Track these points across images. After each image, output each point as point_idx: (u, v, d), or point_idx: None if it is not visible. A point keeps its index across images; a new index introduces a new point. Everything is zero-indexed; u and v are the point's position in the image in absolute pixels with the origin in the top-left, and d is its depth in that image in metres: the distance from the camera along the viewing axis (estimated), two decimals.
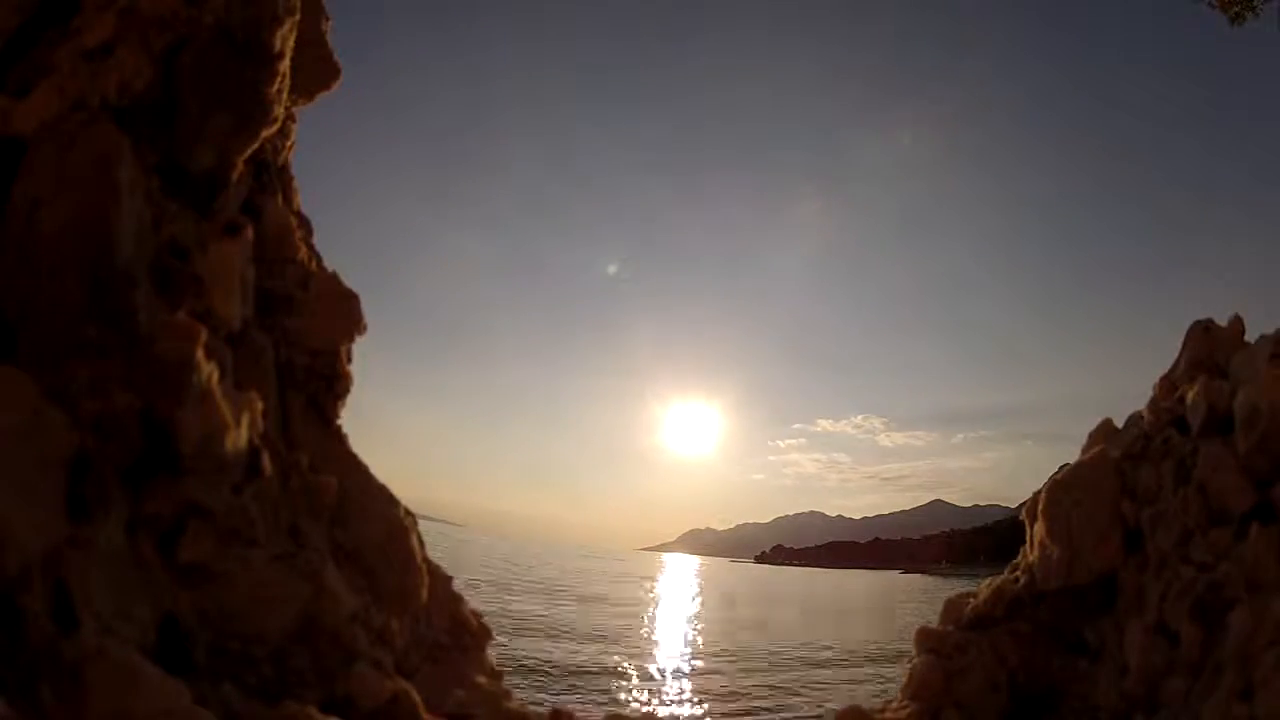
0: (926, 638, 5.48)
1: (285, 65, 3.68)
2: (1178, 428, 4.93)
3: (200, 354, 2.98)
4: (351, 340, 4.34)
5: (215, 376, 3.05)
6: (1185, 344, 5.27)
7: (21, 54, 2.99)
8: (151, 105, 3.19)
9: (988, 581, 5.68)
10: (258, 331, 3.77)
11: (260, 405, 3.38)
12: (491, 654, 4.56)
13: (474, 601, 4.71)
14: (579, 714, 4.36)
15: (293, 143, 4.33)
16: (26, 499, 2.41)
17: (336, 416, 4.30)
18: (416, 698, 3.41)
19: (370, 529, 4.05)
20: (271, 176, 4.11)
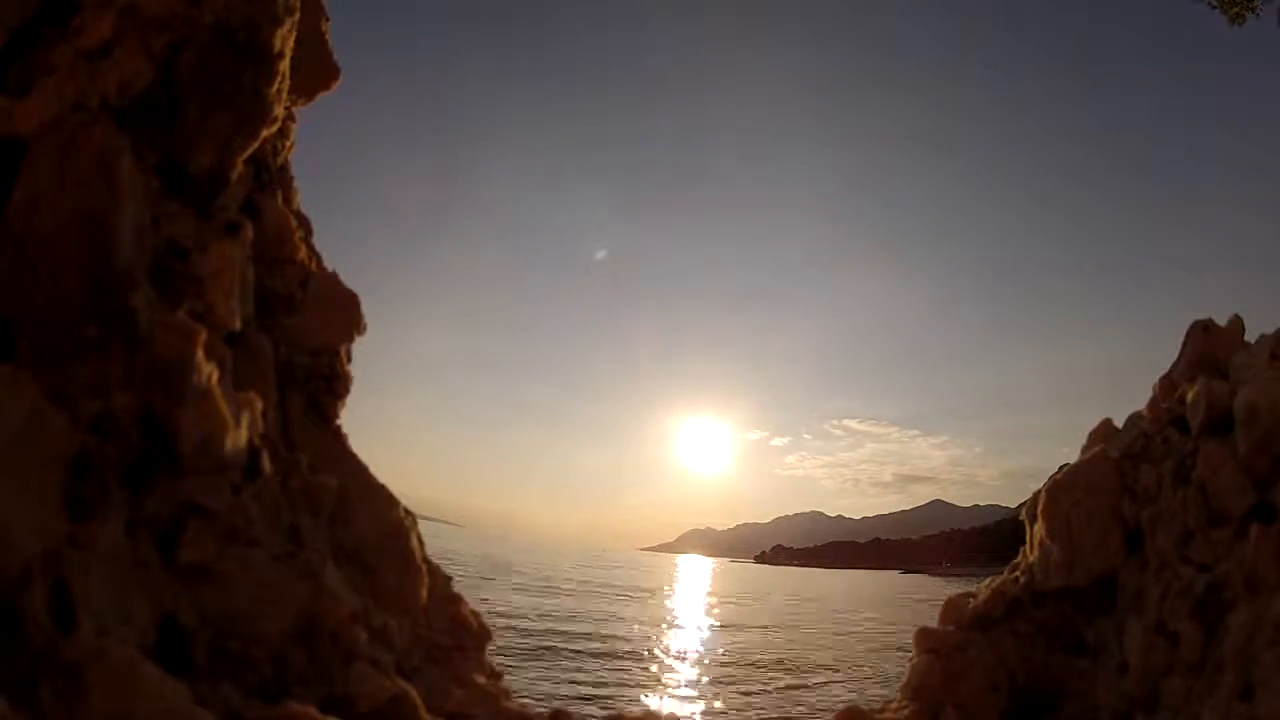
0: (926, 638, 5.47)
1: (285, 65, 3.68)
2: (1178, 428, 4.92)
3: (200, 354, 2.98)
4: (351, 340, 4.35)
5: (215, 376, 3.05)
6: (1185, 344, 5.27)
7: (21, 54, 2.99)
8: (151, 105, 3.18)
9: (988, 581, 5.68)
10: (258, 331, 3.77)
11: (260, 405, 3.38)
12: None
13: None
14: (579, 714, 4.36)
15: (292, 143, 4.33)
16: (26, 499, 2.41)
17: (336, 416, 4.30)
18: (416, 698, 3.41)
19: (370, 529, 4.05)
20: (271, 176, 4.11)
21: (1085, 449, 5.51)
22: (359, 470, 4.23)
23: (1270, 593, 3.90)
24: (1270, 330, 4.70)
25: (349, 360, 4.34)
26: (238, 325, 3.47)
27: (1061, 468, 5.45)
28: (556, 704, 5.04)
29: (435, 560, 4.49)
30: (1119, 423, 5.67)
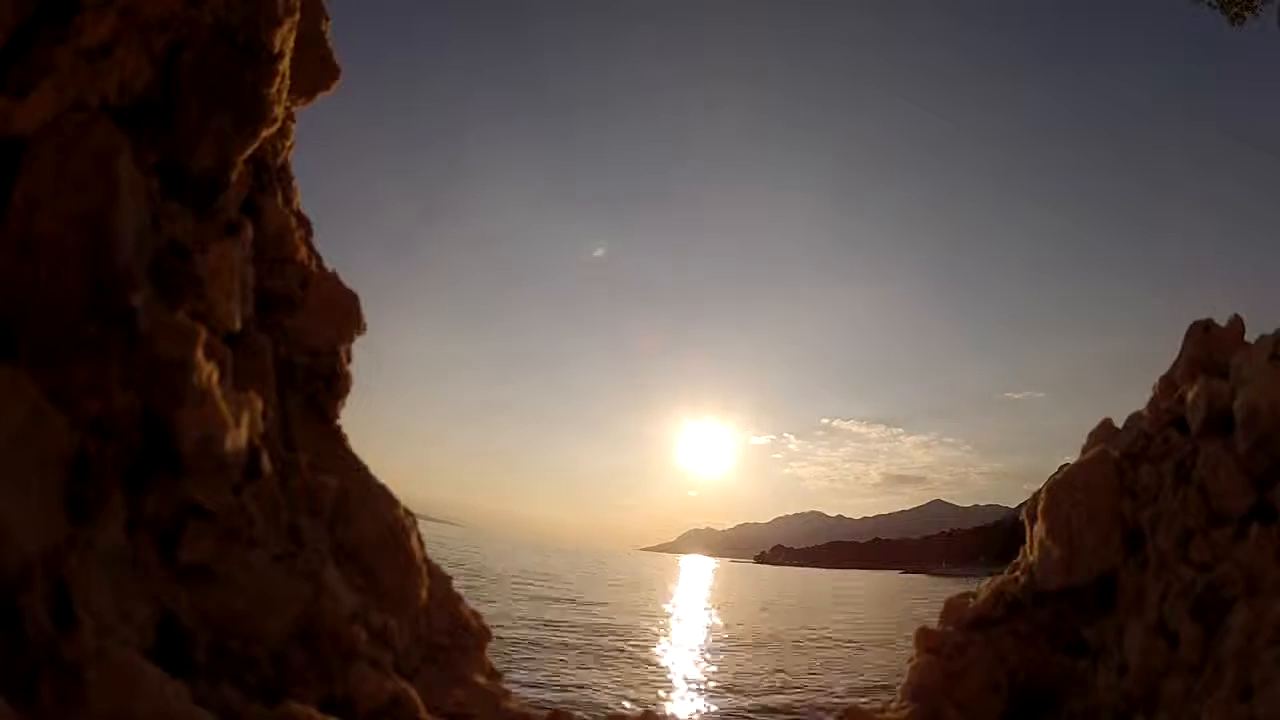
0: (926, 638, 5.47)
1: (285, 65, 3.68)
2: (1178, 428, 4.92)
3: (199, 354, 2.98)
4: (351, 340, 4.35)
5: (215, 376, 3.05)
6: (1185, 344, 5.26)
7: (21, 54, 2.99)
8: (151, 105, 3.18)
9: (988, 581, 5.68)
10: (258, 331, 3.77)
11: (260, 405, 3.38)
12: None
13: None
14: (579, 714, 4.36)
15: (292, 143, 4.33)
16: (26, 499, 2.41)
17: (336, 416, 4.30)
18: (416, 698, 3.42)
19: (370, 529, 4.05)
20: (271, 176, 4.11)
21: (1085, 449, 5.50)
22: (359, 470, 4.23)
23: (1270, 593, 3.90)
24: (1270, 330, 4.69)
25: (349, 360, 4.34)
26: (238, 325, 3.47)
27: (1061, 468, 5.44)
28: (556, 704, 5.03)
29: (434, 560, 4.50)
30: (1119, 423, 5.67)
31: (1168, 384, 5.26)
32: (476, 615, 4.59)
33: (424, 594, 4.20)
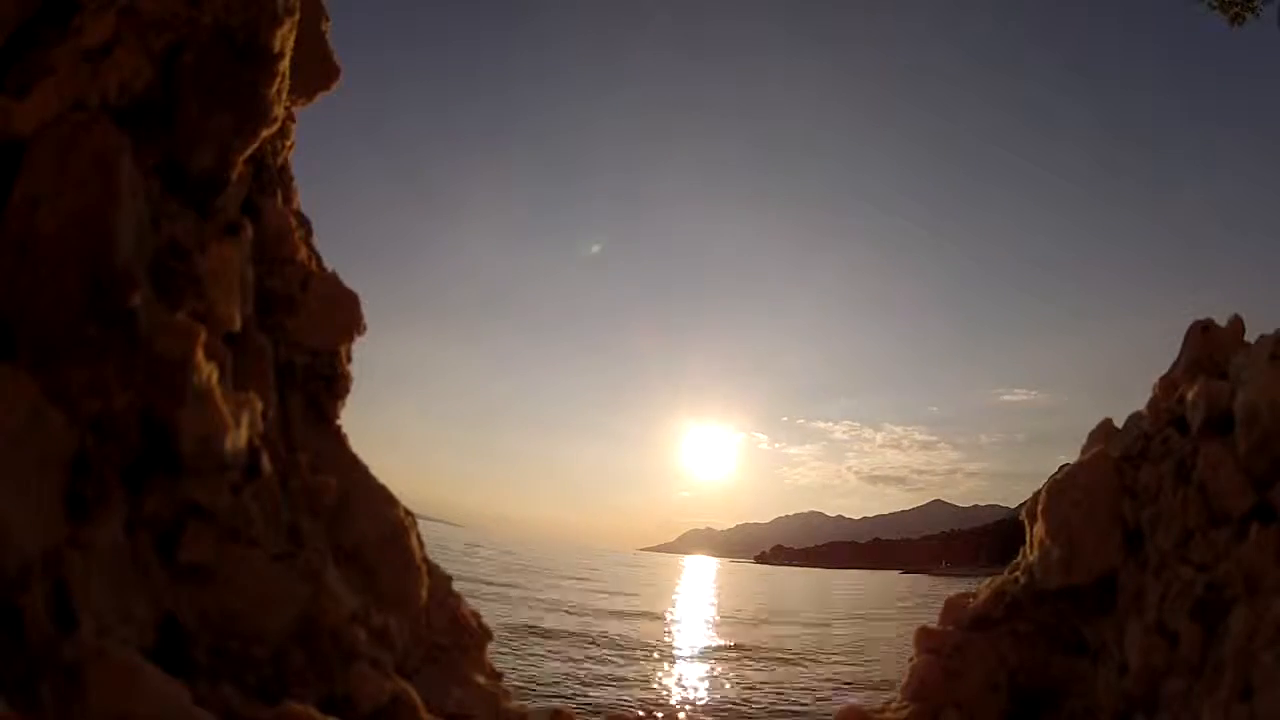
0: (926, 638, 5.48)
1: (285, 65, 3.68)
2: (1178, 428, 4.93)
3: (200, 354, 2.98)
4: (351, 340, 4.35)
5: (215, 376, 3.06)
6: (1185, 344, 5.27)
7: (21, 54, 2.99)
8: (151, 105, 3.19)
9: (988, 581, 5.68)
10: (258, 331, 3.78)
11: (260, 405, 3.38)
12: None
13: None
14: (579, 715, 4.37)
15: (292, 143, 4.33)
16: (26, 499, 2.41)
17: (336, 416, 4.30)
18: (416, 698, 3.42)
19: (370, 529, 4.05)
20: (271, 176, 4.11)
21: (1085, 449, 5.51)
22: (359, 470, 4.23)
23: (1270, 593, 3.90)
24: (1270, 330, 4.70)
25: (349, 360, 4.34)
26: (238, 325, 3.47)
27: (1061, 468, 5.45)
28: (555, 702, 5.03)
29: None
30: (1119, 423, 5.67)
31: (1168, 384, 5.27)
32: (477, 615, 4.59)
33: (424, 594, 4.20)
